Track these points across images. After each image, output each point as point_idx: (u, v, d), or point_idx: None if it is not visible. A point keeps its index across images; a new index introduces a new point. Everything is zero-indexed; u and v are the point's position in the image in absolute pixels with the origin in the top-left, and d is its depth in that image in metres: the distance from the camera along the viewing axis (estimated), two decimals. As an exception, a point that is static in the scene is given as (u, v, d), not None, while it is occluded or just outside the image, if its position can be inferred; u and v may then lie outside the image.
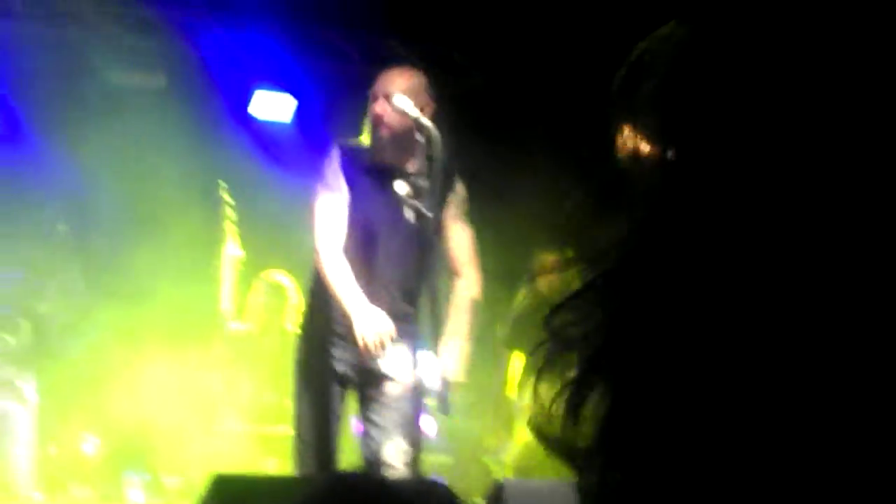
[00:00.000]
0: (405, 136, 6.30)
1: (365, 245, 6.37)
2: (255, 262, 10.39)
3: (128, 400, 9.97)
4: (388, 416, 6.32)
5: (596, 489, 0.90)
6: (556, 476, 8.38)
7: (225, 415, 10.11)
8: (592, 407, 0.91)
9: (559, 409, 0.92)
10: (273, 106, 11.43)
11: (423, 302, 6.34)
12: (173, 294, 9.99)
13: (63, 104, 10.79)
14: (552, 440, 0.94)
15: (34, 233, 10.28)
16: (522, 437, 9.03)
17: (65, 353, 10.38)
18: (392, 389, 6.37)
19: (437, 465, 9.43)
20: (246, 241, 10.18)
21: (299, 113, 11.39)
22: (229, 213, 10.27)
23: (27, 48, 10.68)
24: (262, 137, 11.24)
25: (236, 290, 10.31)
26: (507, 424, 9.27)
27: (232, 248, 10.23)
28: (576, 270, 0.93)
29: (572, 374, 0.92)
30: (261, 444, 9.95)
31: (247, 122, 11.27)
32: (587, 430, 0.91)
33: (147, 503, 9.87)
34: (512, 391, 9.29)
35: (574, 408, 0.91)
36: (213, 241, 10.04)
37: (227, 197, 10.32)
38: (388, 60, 7.95)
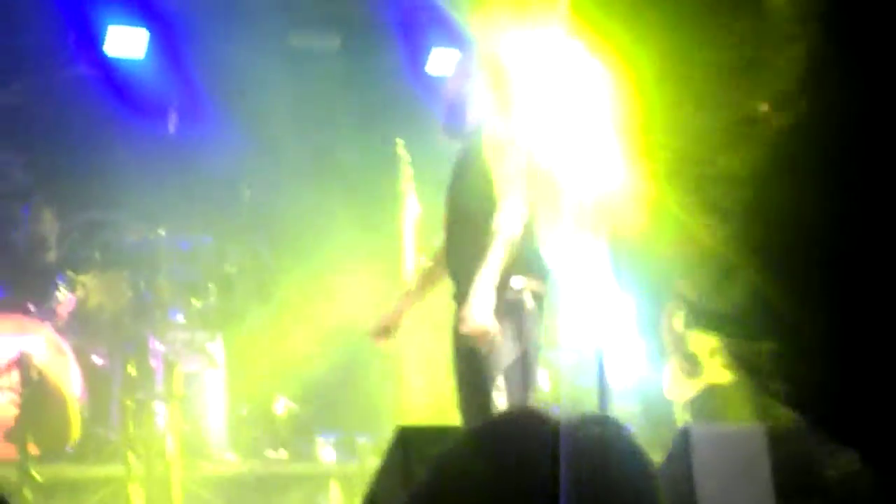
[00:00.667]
0: None
1: None
2: (432, 220, 10.37)
3: (316, 360, 10.06)
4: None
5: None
6: (740, 420, 8.19)
7: (412, 371, 10.12)
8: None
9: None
10: (447, 63, 11.40)
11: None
12: (355, 252, 10.05)
13: (242, 70, 10.97)
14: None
15: (220, 198, 10.45)
16: (706, 382, 8.84)
17: (252, 314, 10.54)
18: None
19: (625, 414, 9.30)
20: (422, 198, 10.17)
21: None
22: (407, 170, 10.26)
23: (204, 15, 10.86)
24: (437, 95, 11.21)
25: (417, 247, 10.31)
26: (692, 371, 9.10)
27: (411, 206, 10.22)
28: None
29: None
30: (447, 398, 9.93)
31: (423, 80, 11.26)
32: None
33: (339, 462, 9.94)
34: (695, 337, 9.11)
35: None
36: (392, 198, 10.05)
37: (404, 154, 10.31)
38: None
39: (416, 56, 11.44)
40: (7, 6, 10.46)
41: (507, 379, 5.90)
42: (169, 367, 8.65)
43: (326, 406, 10.10)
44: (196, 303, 10.04)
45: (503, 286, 5.93)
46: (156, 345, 9.79)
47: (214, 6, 10.98)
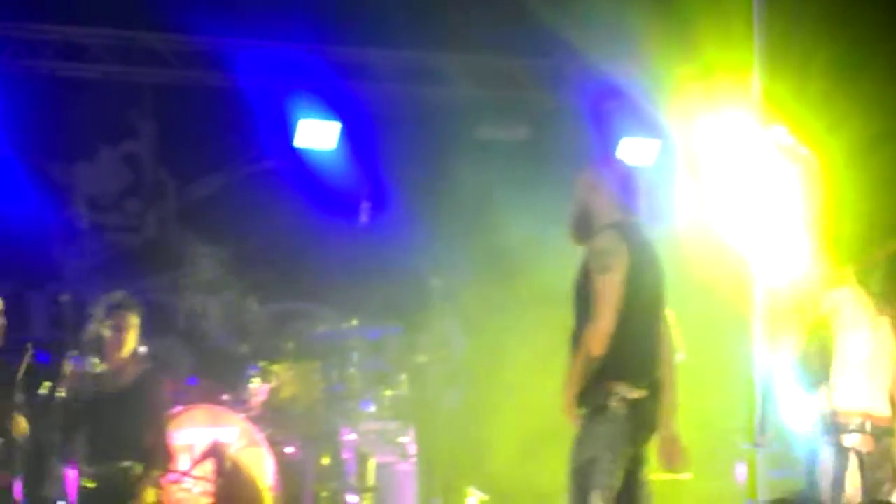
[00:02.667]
0: None
1: None
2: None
3: (511, 452, 9.92)
4: None
5: None
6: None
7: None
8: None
9: None
10: (639, 152, 11.32)
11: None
12: (543, 344, 9.92)
13: (430, 161, 11.02)
14: None
15: (409, 288, 10.45)
16: None
17: (443, 404, 10.48)
18: None
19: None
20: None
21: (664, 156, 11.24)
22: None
23: (393, 107, 10.95)
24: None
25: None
26: None
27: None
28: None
29: None
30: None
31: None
32: None
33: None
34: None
35: None
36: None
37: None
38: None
39: (606, 145, 11.36)
40: (203, 102, 10.67)
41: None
42: (362, 458, 8.62)
43: (519, 499, 9.94)
44: (387, 393, 10.02)
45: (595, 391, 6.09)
46: (348, 436, 9.78)
47: (404, 100, 11.06)
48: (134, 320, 7.88)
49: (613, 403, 6.03)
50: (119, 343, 7.81)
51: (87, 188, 10.90)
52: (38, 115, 10.40)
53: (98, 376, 7.87)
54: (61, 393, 7.66)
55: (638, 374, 6.12)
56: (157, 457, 8.01)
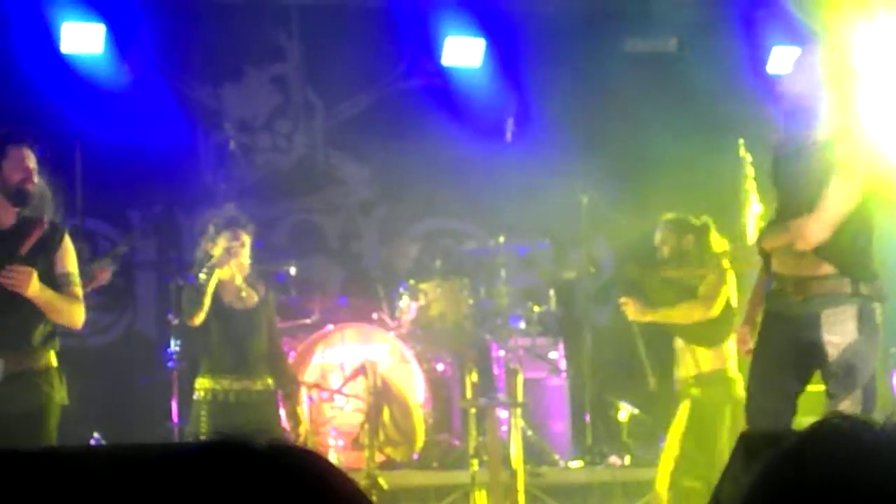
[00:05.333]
0: None
1: None
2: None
3: (656, 366, 9.87)
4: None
5: None
6: None
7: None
8: None
9: None
10: (786, 61, 11.08)
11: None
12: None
13: (577, 76, 10.94)
14: None
15: (558, 204, 10.41)
16: None
17: (592, 320, 10.46)
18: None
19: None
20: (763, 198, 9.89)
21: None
22: (749, 170, 10.00)
23: (538, 22, 10.88)
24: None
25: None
26: None
27: (754, 206, 9.95)
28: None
29: None
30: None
31: (763, 79, 10.96)
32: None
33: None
34: None
35: None
36: (733, 198, 9.81)
37: (746, 154, 10.05)
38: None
39: (756, 55, 11.14)
40: (350, 22, 10.70)
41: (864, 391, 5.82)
42: (511, 373, 8.63)
43: (670, 412, 9.89)
44: (536, 309, 10.02)
45: (855, 290, 5.81)
46: (497, 351, 9.83)
47: (550, 13, 10.97)
48: (246, 237, 7.81)
49: (877, 311, 5.87)
50: (235, 262, 7.75)
51: (236, 111, 11.03)
52: (186, 39, 10.54)
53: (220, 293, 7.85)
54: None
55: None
56: (288, 372, 8.14)
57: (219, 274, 7.55)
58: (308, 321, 9.59)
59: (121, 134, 10.01)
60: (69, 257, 6.39)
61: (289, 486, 1.54)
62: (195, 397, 7.84)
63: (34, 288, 6.09)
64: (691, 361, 8.28)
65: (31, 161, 6.31)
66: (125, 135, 10.04)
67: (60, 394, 6.32)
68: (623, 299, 8.39)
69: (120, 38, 10.07)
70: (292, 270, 9.62)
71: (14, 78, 9.77)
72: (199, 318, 7.65)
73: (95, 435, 8.77)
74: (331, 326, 9.34)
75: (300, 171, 11.28)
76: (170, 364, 8.80)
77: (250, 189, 10.64)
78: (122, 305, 10.62)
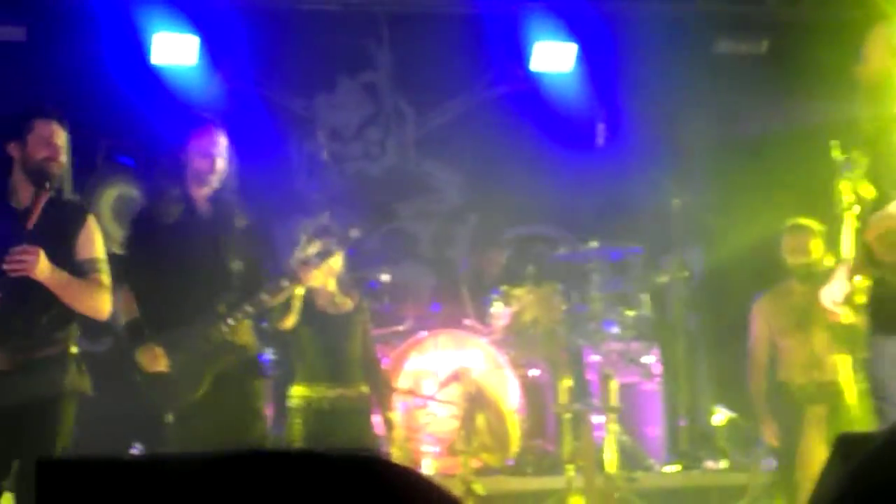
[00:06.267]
0: None
1: None
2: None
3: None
4: None
5: None
6: None
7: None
8: None
9: None
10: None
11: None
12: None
13: (666, 79, 10.89)
14: None
15: (650, 209, 10.38)
16: None
17: (685, 324, 10.41)
18: None
19: None
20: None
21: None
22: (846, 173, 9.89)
23: (627, 25, 10.83)
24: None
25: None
26: None
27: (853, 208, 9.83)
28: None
29: None
30: None
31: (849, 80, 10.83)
32: None
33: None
34: None
35: None
36: (825, 201, 9.72)
37: (841, 156, 9.94)
38: None
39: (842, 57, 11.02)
40: (439, 30, 10.72)
41: None
42: (605, 378, 8.61)
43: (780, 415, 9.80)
44: (629, 314, 9.99)
45: None
46: (591, 357, 9.80)
47: (640, 16, 10.93)
48: (336, 246, 7.81)
49: None
50: (326, 269, 7.79)
51: (328, 120, 11.11)
52: (278, 50, 10.62)
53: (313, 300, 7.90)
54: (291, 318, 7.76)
55: None
56: (382, 379, 8.17)
57: (309, 281, 7.62)
58: (401, 328, 9.64)
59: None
60: (93, 241, 5.87)
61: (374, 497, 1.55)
62: (289, 405, 7.90)
63: (43, 269, 5.60)
64: (831, 366, 8.31)
65: (60, 139, 5.85)
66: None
67: (78, 382, 5.82)
68: None
69: (213, 49, 10.17)
70: (385, 278, 9.68)
71: (105, 89, 9.86)
72: (289, 322, 7.71)
73: (137, 445, 8.84)
74: (424, 333, 9.37)
75: (392, 179, 11.33)
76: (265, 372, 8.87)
77: (342, 197, 10.71)
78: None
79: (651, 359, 10.05)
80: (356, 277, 8.57)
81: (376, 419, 8.15)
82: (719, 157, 11.03)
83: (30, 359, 5.73)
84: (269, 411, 8.75)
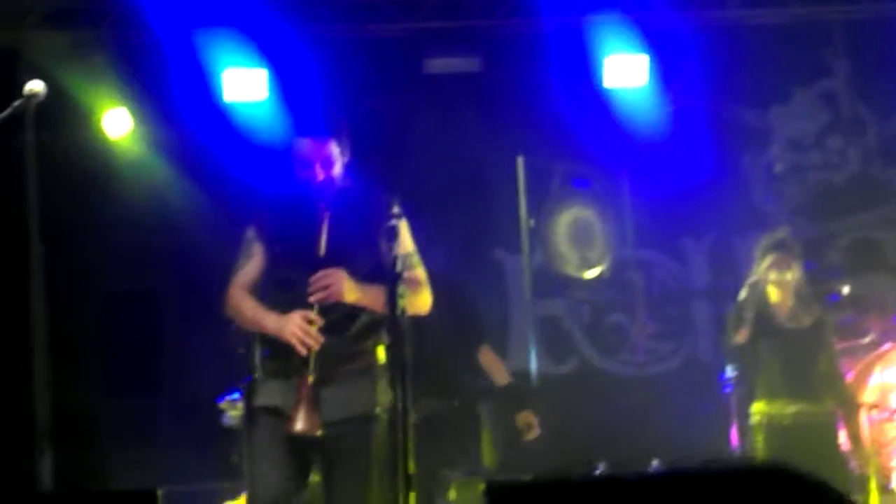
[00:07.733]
0: None
1: None
2: None
3: None
4: None
5: None
6: None
7: None
8: None
9: None
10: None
11: None
12: None
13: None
14: None
15: None
16: None
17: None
18: None
19: None
20: None
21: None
22: None
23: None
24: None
25: None
26: None
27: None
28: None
29: None
30: None
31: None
32: None
33: None
34: None
35: None
36: None
37: None
38: None
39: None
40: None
41: None
42: None
43: None
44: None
45: None
46: None
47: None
48: (792, 259, 7.76)
49: None
50: (783, 283, 7.70)
51: (785, 130, 11.01)
52: (729, 64, 10.59)
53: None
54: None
55: None
56: (846, 393, 8.03)
57: (767, 294, 7.57)
58: (864, 341, 9.41)
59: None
60: (404, 237, 5.51)
61: None
62: (751, 422, 7.89)
63: (350, 291, 5.46)
64: None
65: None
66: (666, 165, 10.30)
67: (388, 396, 5.51)
68: None
69: (665, 70, 10.22)
70: (845, 290, 9.48)
71: (556, 115, 10.07)
72: (742, 336, 7.71)
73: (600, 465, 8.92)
74: (889, 345, 9.13)
75: (855, 188, 11.09)
76: (726, 389, 8.86)
77: (802, 208, 10.60)
78: (679, 333, 10.81)
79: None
80: (816, 290, 8.46)
81: (842, 435, 8.02)
82: None
83: (341, 372, 5.56)
84: (732, 429, 8.79)
